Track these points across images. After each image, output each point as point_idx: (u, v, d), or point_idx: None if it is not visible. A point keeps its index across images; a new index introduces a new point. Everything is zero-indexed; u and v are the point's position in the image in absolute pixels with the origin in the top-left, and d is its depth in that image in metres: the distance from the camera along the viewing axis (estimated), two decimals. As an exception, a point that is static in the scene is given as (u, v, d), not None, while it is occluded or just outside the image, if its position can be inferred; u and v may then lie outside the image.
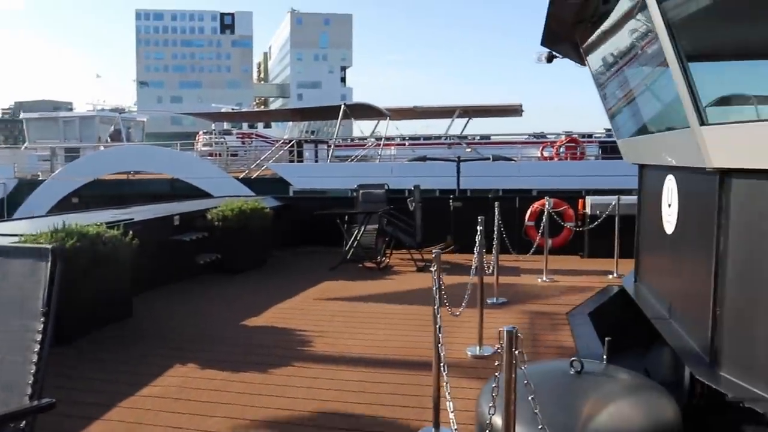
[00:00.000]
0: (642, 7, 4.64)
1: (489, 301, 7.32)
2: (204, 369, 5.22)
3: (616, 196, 9.44)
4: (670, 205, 5.71)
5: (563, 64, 8.07)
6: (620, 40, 6.07)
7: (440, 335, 3.89)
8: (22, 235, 6.08)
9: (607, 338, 4.34)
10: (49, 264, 2.63)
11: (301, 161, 25.42)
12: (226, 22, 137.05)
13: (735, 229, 4.20)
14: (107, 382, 4.93)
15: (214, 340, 6.08)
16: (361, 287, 8.58)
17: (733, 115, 5.15)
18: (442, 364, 3.71)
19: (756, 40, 5.27)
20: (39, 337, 2.52)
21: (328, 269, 9.70)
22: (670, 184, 5.71)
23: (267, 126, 48.32)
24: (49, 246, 2.70)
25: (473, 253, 5.82)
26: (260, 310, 7.17)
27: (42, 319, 2.54)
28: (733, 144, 4.11)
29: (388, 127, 25.93)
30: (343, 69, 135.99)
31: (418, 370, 5.08)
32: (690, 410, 4.80)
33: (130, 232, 6.69)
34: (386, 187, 10.92)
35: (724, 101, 5.07)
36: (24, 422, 2.44)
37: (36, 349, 2.49)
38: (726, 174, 4.24)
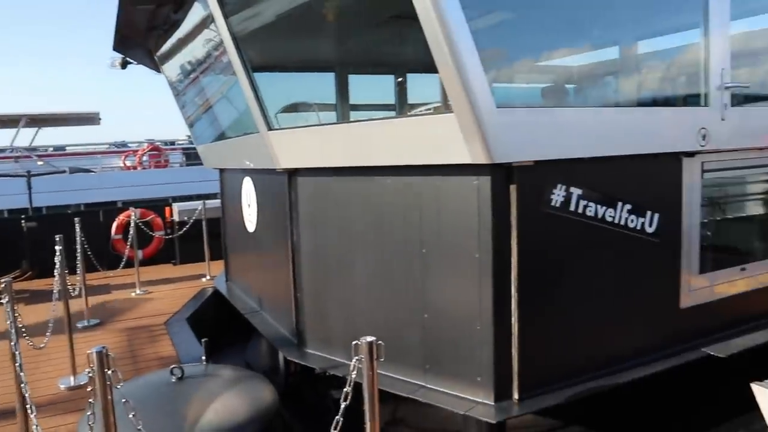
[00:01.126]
0: (211, 19, 4.85)
1: (80, 325, 6.78)
2: None
3: (202, 201, 9.69)
4: (249, 206, 6.13)
5: (145, 70, 7.90)
6: (194, 50, 6.22)
7: (22, 374, 3.47)
8: None
9: (204, 339, 4.46)
10: None
11: None
12: None
13: (304, 221, 4.74)
14: None
15: None
16: None
17: (300, 120, 5.78)
18: (27, 404, 3.32)
19: (313, 54, 6.01)
20: None
21: None
22: (248, 186, 6.12)
23: None
24: None
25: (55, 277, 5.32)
26: None
27: None
28: (297, 146, 4.63)
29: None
30: None
31: (4, 419, 4.44)
32: (289, 389, 5.27)
33: None
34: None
35: (291, 108, 5.66)
36: None
37: None
38: (293, 173, 4.75)
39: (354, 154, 4.11)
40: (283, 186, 4.86)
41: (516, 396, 3.53)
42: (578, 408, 3.81)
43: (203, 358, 4.33)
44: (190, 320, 7.00)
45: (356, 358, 2.58)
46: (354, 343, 2.60)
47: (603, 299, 3.83)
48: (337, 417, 2.71)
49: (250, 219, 6.14)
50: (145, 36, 6.69)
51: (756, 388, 4.03)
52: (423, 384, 3.87)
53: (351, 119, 6.62)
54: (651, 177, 3.93)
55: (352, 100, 6.33)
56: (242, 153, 5.91)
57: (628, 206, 3.77)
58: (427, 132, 3.55)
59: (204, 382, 3.87)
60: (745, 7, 4.72)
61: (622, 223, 3.77)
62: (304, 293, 4.82)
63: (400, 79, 6.44)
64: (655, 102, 4.40)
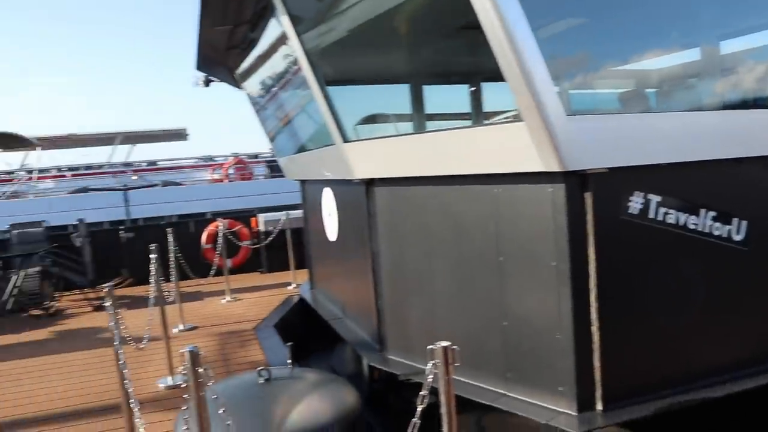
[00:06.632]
0: (286, 37, 5.04)
1: (175, 329, 7.15)
2: None
3: (286, 212, 9.99)
4: (330, 215, 6.28)
5: (228, 87, 8.25)
6: (271, 66, 6.46)
7: (126, 372, 3.72)
8: None
9: (289, 344, 4.62)
10: None
11: (-75, 204, 21.03)
12: None
13: (382, 231, 4.83)
14: None
15: None
16: (28, 339, 7.60)
17: (379, 132, 5.89)
18: (131, 401, 3.55)
19: (386, 67, 6.11)
20: None
21: (-20, 325, 8.36)
22: (328, 196, 6.28)
23: None
24: None
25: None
26: None
27: None
28: (372, 157, 4.73)
29: (40, 158, 23.12)
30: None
31: (109, 414, 4.80)
32: (372, 394, 5.37)
33: None
34: (44, 225, 9.88)
35: (370, 119, 5.78)
36: None
37: None
38: (370, 183, 4.85)
39: (429, 163, 4.16)
40: (360, 196, 4.96)
41: (600, 407, 3.44)
42: (666, 421, 3.66)
43: (288, 361, 4.49)
44: (278, 326, 7.25)
45: (432, 362, 2.62)
46: (429, 348, 2.63)
47: (689, 309, 3.66)
48: (414, 420, 2.75)
49: (331, 228, 6.29)
50: (225, 55, 6.99)
51: None
52: (504, 392, 3.85)
53: (427, 129, 6.68)
54: (738, 182, 3.77)
55: (428, 110, 6.38)
56: (321, 164, 6.06)
57: (712, 213, 3.64)
58: (501, 141, 3.56)
59: (289, 385, 4.01)
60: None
61: (707, 231, 3.64)
62: (384, 301, 4.90)
63: (473, 88, 6.45)
64: (743, 104, 4.22)
